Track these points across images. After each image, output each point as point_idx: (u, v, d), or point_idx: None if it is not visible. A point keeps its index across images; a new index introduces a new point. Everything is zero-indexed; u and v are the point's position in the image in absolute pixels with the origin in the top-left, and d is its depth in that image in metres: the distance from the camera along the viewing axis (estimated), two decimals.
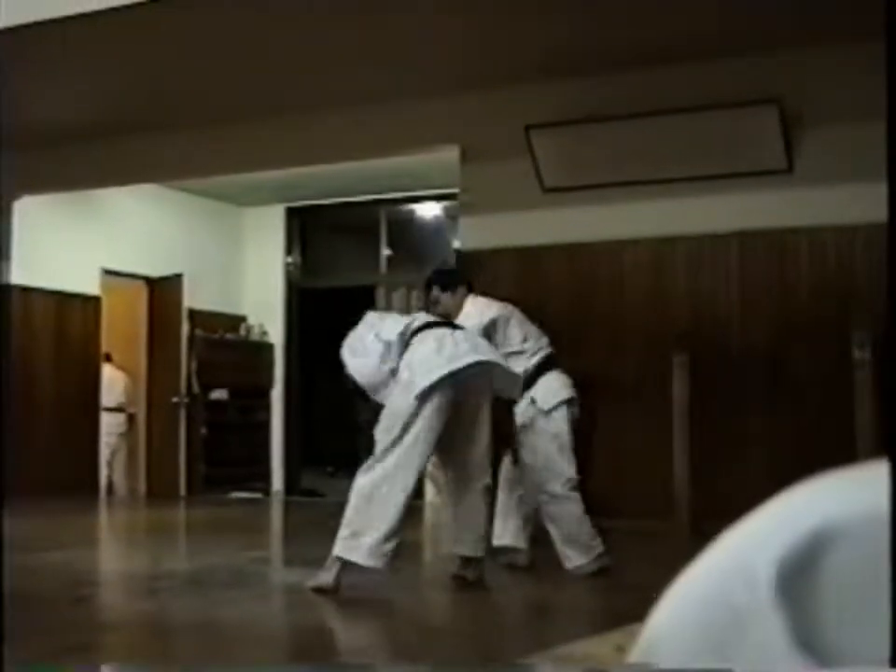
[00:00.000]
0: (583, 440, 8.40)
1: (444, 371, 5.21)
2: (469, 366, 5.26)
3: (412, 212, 12.68)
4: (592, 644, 1.62)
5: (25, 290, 11.20)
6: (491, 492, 5.64)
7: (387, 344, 5.33)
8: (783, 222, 7.88)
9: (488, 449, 5.49)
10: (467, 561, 5.43)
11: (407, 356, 5.31)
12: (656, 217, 8.21)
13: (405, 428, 5.16)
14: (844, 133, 7.58)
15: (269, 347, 13.77)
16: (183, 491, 12.41)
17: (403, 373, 5.26)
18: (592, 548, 5.94)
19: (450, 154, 9.05)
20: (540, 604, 5.04)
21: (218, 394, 13.14)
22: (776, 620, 0.44)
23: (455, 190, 9.34)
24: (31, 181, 10.36)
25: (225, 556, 6.83)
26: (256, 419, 13.69)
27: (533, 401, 6.02)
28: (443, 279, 6.39)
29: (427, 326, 5.47)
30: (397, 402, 5.22)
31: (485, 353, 5.42)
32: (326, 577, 5.19)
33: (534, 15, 7.27)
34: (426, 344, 5.33)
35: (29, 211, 10.93)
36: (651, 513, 7.70)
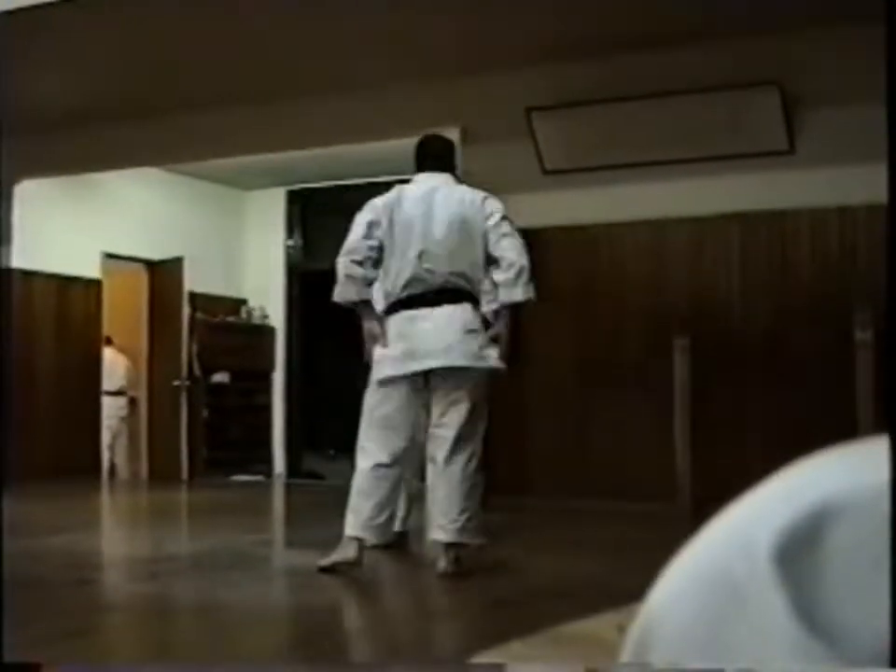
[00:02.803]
0: (585, 423, 8.42)
1: (400, 372, 5.20)
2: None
3: None
4: (592, 624, 1.62)
5: (26, 274, 11.19)
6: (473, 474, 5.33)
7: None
8: (784, 204, 7.86)
9: (463, 426, 5.25)
10: (447, 547, 5.26)
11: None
12: (657, 198, 8.20)
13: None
14: (845, 114, 7.56)
15: (270, 330, 13.77)
16: (185, 474, 12.41)
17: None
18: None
19: (450, 136, 9.02)
20: (539, 587, 5.04)
21: (220, 377, 13.14)
22: (776, 594, 0.44)
23: (456, 172, 9.33)
24: (30, 165, 10.34)
25: (227, 539, 6.84)
26: (257, 402, 13.70)
27: None
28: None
29: (406, 302, 5.25)
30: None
31: (456, 352, 5.18)
32: (346, 552, 5.20)
33: None
34: (389, 333, 5.25)
35: (29, 195, 10.92)
36: (653, 496, 7.71)
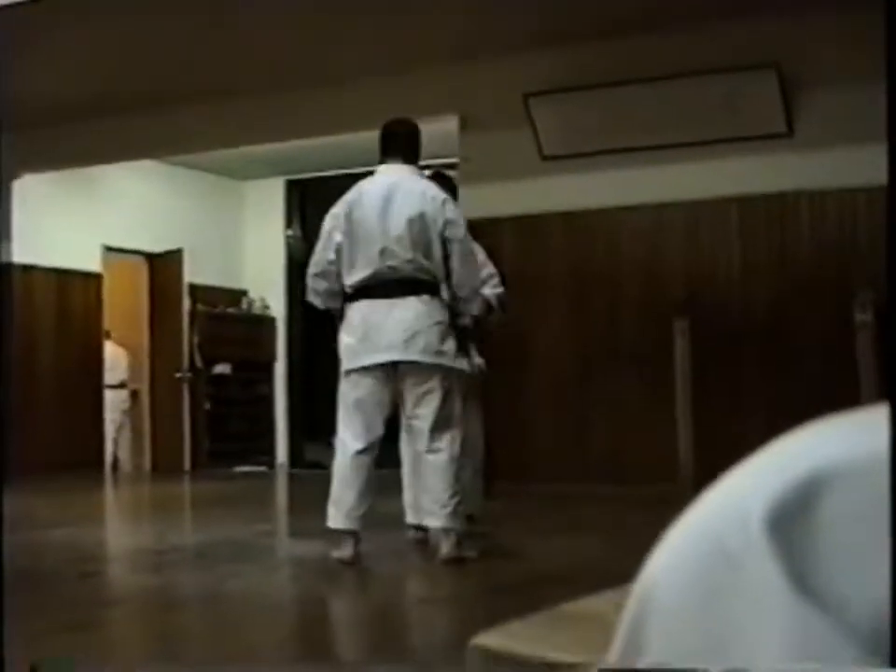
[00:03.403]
0: (585, 407, 8.42)
1: (361, 363, 5.22)
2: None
3: None
4: (592, 603, 1.62)
5: (26, 269, 11.18)
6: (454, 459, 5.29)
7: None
8: (783, 186, 7.86)
9: (438, 415, 5.25)
10: (445, 532, 5.25)
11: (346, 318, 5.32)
12: (655, 182, 8.19)
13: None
14: (844, 95, 7.54)
15: (270, 321, 13.77)
16: (187, 466, 12.43)
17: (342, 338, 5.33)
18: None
19: (448, 123, 9.02)
20: (541, 572, 5.05)
21: (221, 368, 13.15)
22: (770, 563, 0.44)
23: (454, 160, 9.32)
24: (29, 159, 10.33)
25: (230, 530, 6.85)
26: (259, 393, 13.71)
27: None
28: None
29: (367, 289, 5.26)
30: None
31: (416, 347, 5.17)
32: (344, 550, 5.20)
33: None
34: (352, 322, 5.27)
35: (29, 189, 10.91)
36: (654, 479, 7.71)
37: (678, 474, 7.42)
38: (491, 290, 6.17)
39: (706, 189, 8.07)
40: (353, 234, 5.25)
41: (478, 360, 6.27)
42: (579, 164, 8.42)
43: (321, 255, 5.36)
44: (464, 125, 8.90)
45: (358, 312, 5.25)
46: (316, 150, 11.83)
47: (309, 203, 13.68)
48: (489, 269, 6.28)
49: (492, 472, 8.25)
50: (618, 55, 8.14)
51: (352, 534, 5.21)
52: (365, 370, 5.22)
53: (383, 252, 5.18)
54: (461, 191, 9.10)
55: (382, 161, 5.47)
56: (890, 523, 0.42)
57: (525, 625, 1.56)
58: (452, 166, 9.97)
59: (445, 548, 5.22)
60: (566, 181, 8.50)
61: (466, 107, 8.83)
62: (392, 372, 5.23)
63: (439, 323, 5.23)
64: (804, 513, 0.45)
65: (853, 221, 7.67)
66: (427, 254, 5.22)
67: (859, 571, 0.43)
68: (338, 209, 5.37)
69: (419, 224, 5.20)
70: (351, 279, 5.28)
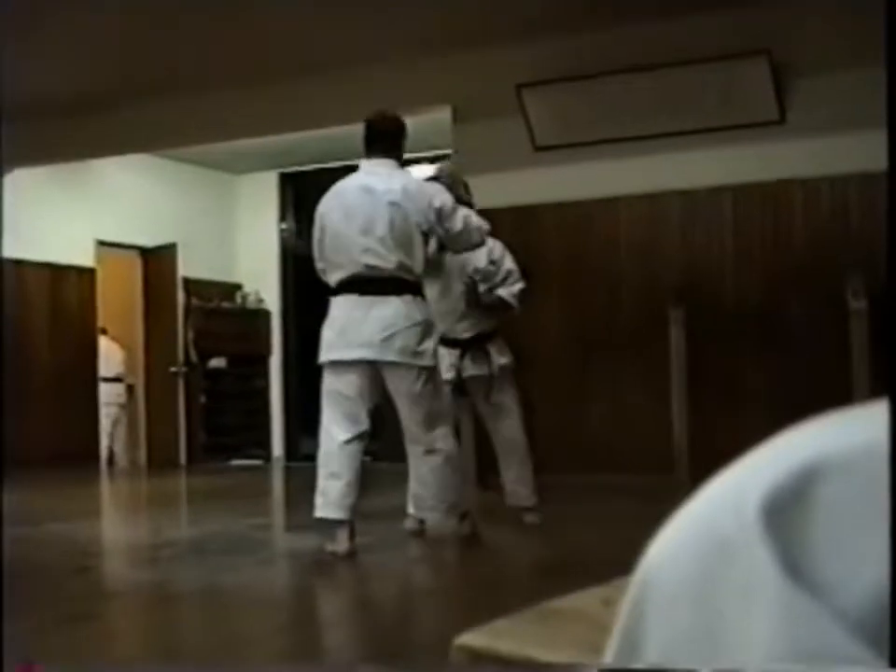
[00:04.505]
0: (581, 397, 8.43)
1: (335, 356, 5.24)
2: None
3: None
4: (577, 599, 1.62)
5: (19, 264, 11.17)
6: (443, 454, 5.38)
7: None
8: (776, 174, 7.85)
9: (431, 412, 5.31)
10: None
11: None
12: (649, 172, 8.19)
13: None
14: (835, 82, 7.55)
15: (265, 314, 13.76)
16: (183, 460, 12.44)
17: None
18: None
19: (441, 115, 9.01)
20: (532, 562, 5.06)
21: (217, 362, 13.14)
22: (762, 548, 0.45)
23: (448, 151, 9.31)
24: (21, 154, 10.31)
25: (226, 524, 6.85)
26: (254, 386, 13.71)
27: None
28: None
29: (349, 286, 5.28)
30: None
31: (393, 347, 5.17)
32: (338, 544, 5.21)
33: None
34: (333, 317, 5.31)
35: (21, 184, 10.89)
36: (650, 468, 7.72)
37: (673, 463, 7.44)
38: (507, 289, 6.16)
39: (699, 177, 8.07)
40: (332, 234, 5.27)
41: (502, 361, 6.21)
42: (572, 154, 8.41)
43: (316, 255, 5.43)
44: (457, 116, 8.89)
45: (340, 307, 5.27)
46: (310, 143, 11.83)
47: (303, 196, 13.67)
48: (508, 265, 6.26)
49: (489, 464, 8.25)
50: (610, 45, 8.14)
51: (345, 525, 5.21)
52: (344, 363, 5.22)
53: (364, 252, 5.17)
54: None
55: (367, 157, 5.46)
56: (890, 525, 0.42)
57: (510, 623, 1.56)
58: (444, 157, 9.98)
59: (465, 528, 5.54)
60: (559, 172, 8.49)
61: (459, 98, 8.83)
62: (373, 369, 5.24)
63: (418, 323, 5.21)
64: (798, 502, 0.46)
65: (845, 208, 7.68)
66: (409, 253, 5.20)
67: (849, 558, 0.44)
68: (320, 208, 5.40)
69: (401, 223, 5.19)
70: (333, 277, 5.30)
